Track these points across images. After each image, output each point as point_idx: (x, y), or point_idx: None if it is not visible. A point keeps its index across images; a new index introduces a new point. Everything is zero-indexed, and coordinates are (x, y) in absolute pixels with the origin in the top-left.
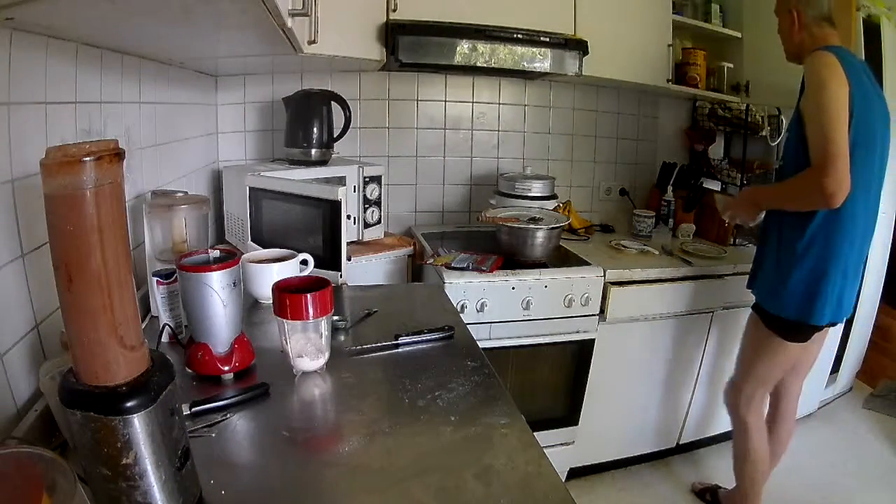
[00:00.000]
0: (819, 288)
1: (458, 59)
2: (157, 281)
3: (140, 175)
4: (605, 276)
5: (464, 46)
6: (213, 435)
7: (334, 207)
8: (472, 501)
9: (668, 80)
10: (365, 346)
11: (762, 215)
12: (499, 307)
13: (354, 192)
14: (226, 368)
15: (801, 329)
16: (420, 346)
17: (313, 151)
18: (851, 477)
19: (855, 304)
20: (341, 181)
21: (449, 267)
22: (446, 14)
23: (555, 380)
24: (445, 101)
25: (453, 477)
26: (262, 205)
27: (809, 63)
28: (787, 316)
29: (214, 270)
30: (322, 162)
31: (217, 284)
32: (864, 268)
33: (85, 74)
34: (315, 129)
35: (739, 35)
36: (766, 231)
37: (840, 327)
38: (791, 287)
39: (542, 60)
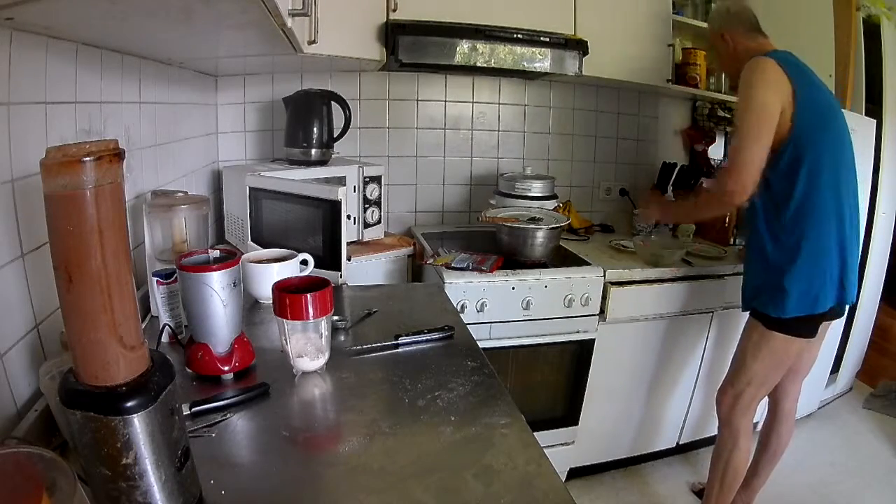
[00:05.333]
0: (815, 278)
1: (458, 59)
2: (157, 281)
3: (140, 175)
4: (605, 276)
5: (464, 46)
6: (213, 435)
7: (334, 207)
8: (472, 501)
9: (668, 80)
10: (365, 346)
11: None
12: (499, 307)
13: (354, 192)
14: (226, 368)
15: (808, 322)
16: (420, 346)
17: (313, 151)
18: (851, 477)
19: (855, 304)
20: (341, 181)
21: (449, 267)
22: (446, 14)
23: (555, 380)
24: (445, 101)
25: (453, 477)
26: (262, 205)
27: (743, 70)
28: (792, 315)
29: (214, 270)
30: (322, 162)
31: (217, 284)
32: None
33: (85, 74)
34: (315, 129)
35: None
36: (750, 247)
37: (840, 327)
38: (789, 287)
39: (542, 60)
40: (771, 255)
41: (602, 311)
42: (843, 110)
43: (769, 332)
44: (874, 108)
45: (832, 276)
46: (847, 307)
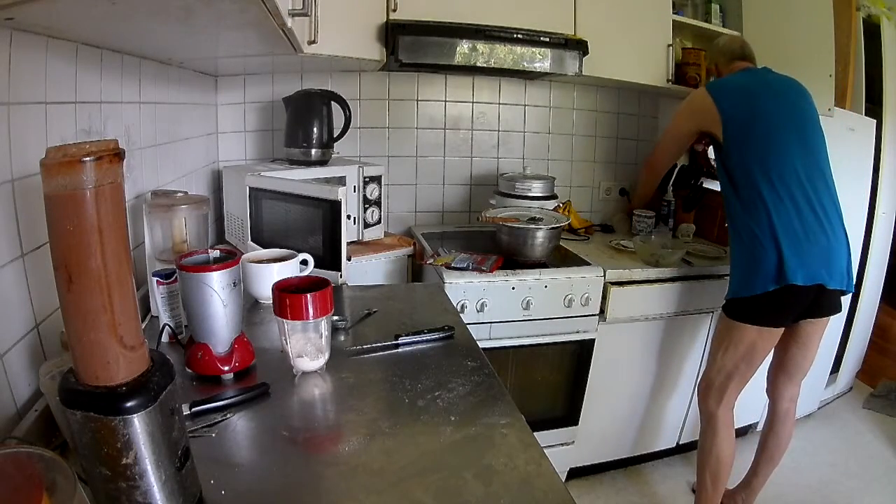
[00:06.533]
0: (751, 261)
1: (458, 59)
2: (157, 281)
3: (140, 175)
4: (605, 276)
5: (464, 46)
6: (213, 435)
7: (334, 207)
8: (472, 501)
9: (668, 80)
10: (365, 346)
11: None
12: (499, 307)
13: (354, 192)
14: (226, 368)
15: (750, 307)
16: (420, 346)
17: (313, 151)
18: (851, 477)
19: (855, 304)
20: (341, 181)
21: (449, 267)
22: (446, 14)
23: (555, 380)
24: (445, 101)
25: (453, 477)
26: (262, 205)
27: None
28: (732, 296)
29: (214, 270)
30: (322, 162)
31: (217, 284)
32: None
33: (85, 74)
34: (315, 129)
35: (739, 35)
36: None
37: (840, 327)
38: (733, 269)
39: (542, 60)
40: (730, 247)
41: (602, 311)
42: (817, 116)
43: (730, 321)
44: (874, 108)
45: (765, 261)
46: (833, 303)
